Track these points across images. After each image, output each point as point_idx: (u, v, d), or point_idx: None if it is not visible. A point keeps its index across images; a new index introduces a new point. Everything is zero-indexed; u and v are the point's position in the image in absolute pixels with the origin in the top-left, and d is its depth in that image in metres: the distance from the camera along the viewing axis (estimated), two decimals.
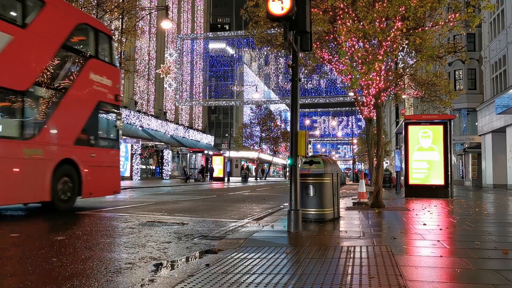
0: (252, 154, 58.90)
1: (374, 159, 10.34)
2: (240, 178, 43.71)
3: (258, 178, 52.04)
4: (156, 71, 37.70)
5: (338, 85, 40.83)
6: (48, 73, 8.69)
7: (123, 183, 25.03)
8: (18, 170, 7.94)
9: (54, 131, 8.90)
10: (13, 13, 8.42)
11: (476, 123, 30.42)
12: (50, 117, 8.76)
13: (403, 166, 15.89)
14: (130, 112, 34.10)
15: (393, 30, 9.04)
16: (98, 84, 10.18)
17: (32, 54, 8.43)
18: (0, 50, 7.60)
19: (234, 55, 55.96)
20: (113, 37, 10.37)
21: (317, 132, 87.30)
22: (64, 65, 9.27)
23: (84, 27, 10.22)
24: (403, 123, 15.01)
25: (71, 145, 9.31)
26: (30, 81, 8.31)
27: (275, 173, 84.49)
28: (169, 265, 4.13)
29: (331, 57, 11.11)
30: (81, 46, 10.22)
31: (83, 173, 9.43)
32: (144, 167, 37.60)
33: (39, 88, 8.55)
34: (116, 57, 12.23)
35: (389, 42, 9.16)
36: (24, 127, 8.25)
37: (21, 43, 8.13)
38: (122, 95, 10.88)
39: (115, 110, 10.83)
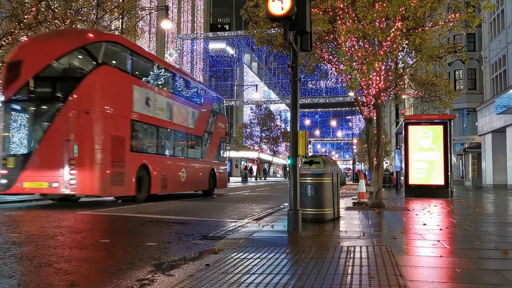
0: (252, 154, 58.88)
1: (374, 159, 10.33)
2: (240, 178, 43.70)
3: (258, 178, 52.03)
4: None
5: (338, 85, 40.83)
6: (207, 126, 16.84)
7: None
8: (201, 174, 15.97)
9: (209, 154, 16.83)
10: (198, 100, 16.60)
11: (476, 123, 30.41)
12: (207, 147, 16.74)
13: (403, 166, 15.88)
14: None
15: (393, 30, 9.03)
16: (220, 128, 18.15)
17: (204, 118, 16.57)
18: (196, 119, 15.69)
19: (234, 55, 55.97)
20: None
21: (317, 132, 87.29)
22: (211, 120, 17.26)
23: (215, 97, 18.77)
24: (403, 123, 15.01)
25: (213, 161, 17.12)
26: (203, 131, 16.41)
27: (273, 173, 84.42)
28: (169, 265, 4.13)
29: (331, 57, 11.11)
30: (214, 108, 17.94)
31: (217, 175, 17.14)
32: None
33: (206, 134, 16.66)
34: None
35: (389, 42, 9.15)
36: (202, 153, 16.27)
37: (200, 114, 16.24)
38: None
39: (225, 141, 19.00)
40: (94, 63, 10.35)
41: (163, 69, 13.84)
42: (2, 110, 10.58)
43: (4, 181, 10.08)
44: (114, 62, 11.09)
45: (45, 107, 10.41)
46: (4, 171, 10.11)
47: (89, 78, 10.15)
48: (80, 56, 10.64)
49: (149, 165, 11.96)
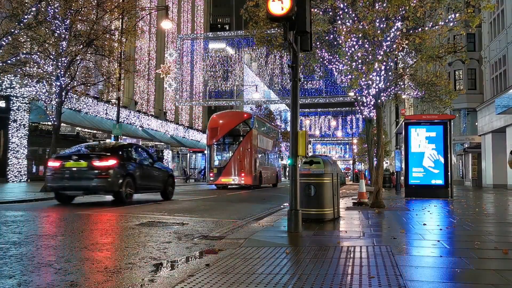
0: None
1: (374, 159, 10.33)
2: None
3: None
4: (156, 71, 37.67)
5: (338, 85, 40.75)
6: (275, 146, 30.50)
7: None
8: (273, 174, 29.16)
9: (274, 163, 30.02)
10: (272, 133, 30.47)
11: (476, 123, 30.41)
12: (274, 158, 30.12)
13: (403, 166, 15.88)
14: (130, 112, 34.10)
15: (393, 30, 9.04)
16: (278, 146, 32.34)
17: (274, 141, 30.07)
18: (272, 144, 29.33)
19: (234, 55, 55.89)
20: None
21: (317, 132, 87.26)
22: (276, 143, 31.03)
23: (275, 130, 33.18)
24: (403, 123, 14.99)
25: (276, 167, 30.38)
26: (274, 150, 30.05)
27: None
28: (169, 265, 4.12)
29: (331, 57, 11.12)
30: (275, 135, 31.22)
31: (278, 175, 30.77)
32: None
33: (274, 151, 30.05)
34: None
35: (389, 42, 9.16)
36: (273, 162, 29.71)
37: (273, 140, 30.11)
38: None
39: (280, 155, 34.40)
40: (249, 128, 23.34)
41: (264, 124, 28.30)
42: (209, 149, 23.41)
43: (212, 178, 22.78)
44: (254, 125, 23.66)
45: (229, 147, 23.35)
46: (212, 174, 22.91)
47: (247, 135, 23.17)
48: (242, 125, 23.66)
49: (261, 170, 24.70)
